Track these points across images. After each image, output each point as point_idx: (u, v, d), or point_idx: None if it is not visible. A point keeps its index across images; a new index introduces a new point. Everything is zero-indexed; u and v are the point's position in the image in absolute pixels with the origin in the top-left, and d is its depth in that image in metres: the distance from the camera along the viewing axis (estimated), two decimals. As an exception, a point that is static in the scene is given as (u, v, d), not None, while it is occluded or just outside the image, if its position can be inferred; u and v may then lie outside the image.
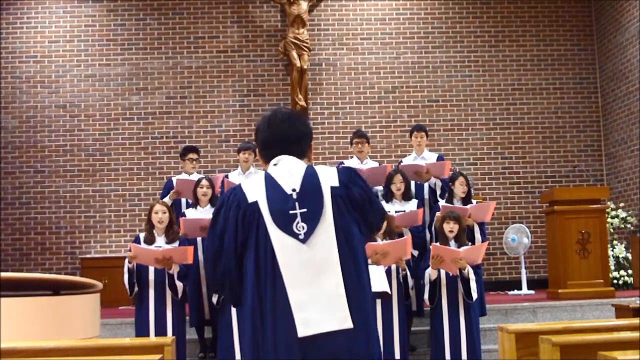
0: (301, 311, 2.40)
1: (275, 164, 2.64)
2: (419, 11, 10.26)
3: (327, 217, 2.50)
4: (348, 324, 2.41)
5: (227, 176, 6.76)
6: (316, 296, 2.42)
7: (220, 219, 2.59)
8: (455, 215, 5.67)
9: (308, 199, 2.52)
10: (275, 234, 2.48)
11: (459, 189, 6.22)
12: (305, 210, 2.50)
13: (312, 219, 2.49)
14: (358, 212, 2.58)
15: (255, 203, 2.53)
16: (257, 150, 2.77)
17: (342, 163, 6.89)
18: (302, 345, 2.39)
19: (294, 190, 2.54)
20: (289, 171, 2.58)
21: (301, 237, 2.47)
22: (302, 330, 2.38)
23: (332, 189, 2.55)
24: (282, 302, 2.41)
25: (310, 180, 2.56)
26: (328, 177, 2.58)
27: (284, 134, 2.65)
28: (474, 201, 6.45)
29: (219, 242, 2.57)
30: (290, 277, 2.43)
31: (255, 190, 2.57)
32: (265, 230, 2.49)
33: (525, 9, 10.35)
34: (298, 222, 2.49)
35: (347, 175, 2.62)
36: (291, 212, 2.50)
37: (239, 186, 2.63)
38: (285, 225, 2.48)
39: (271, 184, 2.56)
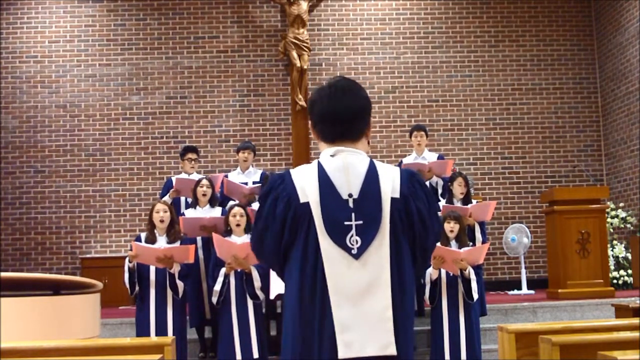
0: (344, 332, 2.22)
1: (332, 155, 2.36)
2: (419, 11, 10.26)
3: (383, 233, 2.28)
4: (391, 350, 2.23)
5: (226, 176, 6.77)
6: (361, 318, 2.23)
7: (264, 212, 2.35)
8: (456, 215, 5.67)
9: (365, 210, 2.28)
10: (326, 245, 2.26)
11: (457, 189, 6.23)
12: (361, 222, 2.27)
13: (368, 234, 2.26)
14: (412, 231, 2.35)
15: (307, 205, 2.28)
16: (310, 124, 2.45)
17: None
18: None
19: (350, 195, 2.29)
20: (347, 170, 2.32)
21: (354, 251, 2.25)
22: (343, 352, 2.21)
23: (393, 201, 2.30)
24: (327, 320, 2.23)
25: (370, 187, 2.31)
26: (390, 186, 2.32)
27: (346, 107, 2.36)
28: (474, 201, 6.46)
29: (261, 235, 2.37)
30: (336, 293, 2.23)
31: (307, 188, 2.30)
32: (316, 239, 2.26)
33: (525, 9, 10.35)
34: (352, 235, 2.26)
35: (410, 187, 2.36)
36: (346, 222, 2.26)
37: (289, 177, 2.35)
38: (338, 237, 2.26)
39: (325, 184, 2.30)
